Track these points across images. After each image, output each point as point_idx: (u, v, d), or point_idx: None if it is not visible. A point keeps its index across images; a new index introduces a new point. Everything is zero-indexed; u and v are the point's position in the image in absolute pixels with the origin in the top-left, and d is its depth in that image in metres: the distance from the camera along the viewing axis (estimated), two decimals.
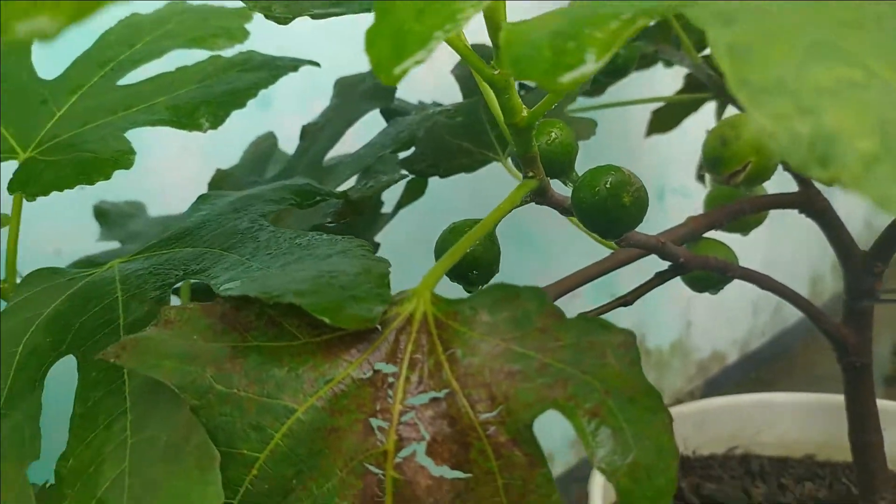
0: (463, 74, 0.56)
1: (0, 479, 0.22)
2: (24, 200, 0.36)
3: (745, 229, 0.51)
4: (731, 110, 0.71)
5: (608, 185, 0.28)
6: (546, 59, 0.16)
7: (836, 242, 0.46)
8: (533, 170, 0.30)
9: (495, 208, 0.28)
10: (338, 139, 0.46)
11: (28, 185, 0.35)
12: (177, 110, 0.38)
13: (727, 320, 1.28)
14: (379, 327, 0.21)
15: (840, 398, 0.68)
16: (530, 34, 0.17)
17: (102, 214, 0.59)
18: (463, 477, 0.20)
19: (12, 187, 0.36)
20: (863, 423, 0.46)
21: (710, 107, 0.67)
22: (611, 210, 0.28)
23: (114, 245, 0.55)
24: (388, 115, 0.51)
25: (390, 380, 0.21)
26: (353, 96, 0.50)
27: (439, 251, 0.30)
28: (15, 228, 0.38)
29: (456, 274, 0.29)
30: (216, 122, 0.38)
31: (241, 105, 0.38)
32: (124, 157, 0.34)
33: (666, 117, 0.69)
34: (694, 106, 0.65)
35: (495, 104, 0.31)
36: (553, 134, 0.33)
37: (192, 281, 0.36)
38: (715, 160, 0.44)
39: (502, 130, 0.31)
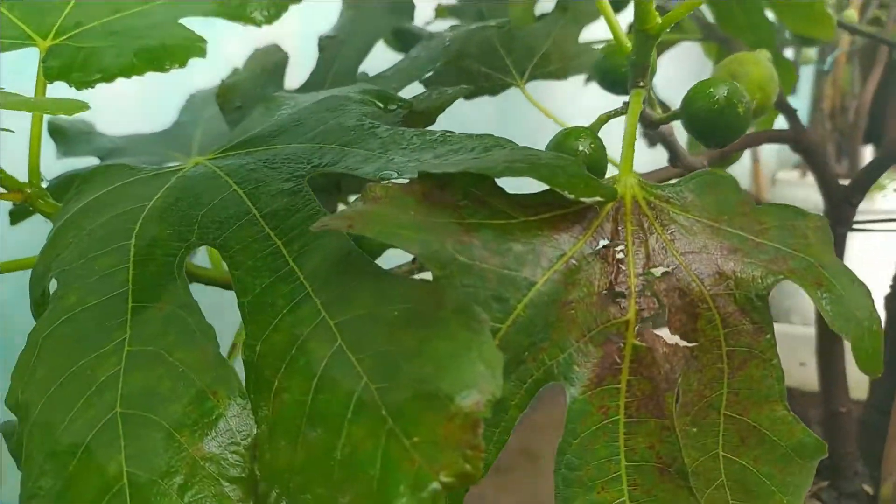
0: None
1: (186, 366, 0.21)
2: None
3: (726, 164, 0.56)
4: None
5: (726, 95, 0.30)
6: None
7: (821, 176, 0.50)
8: (643, 80, 0.31)
9: (630, 113, 0.28)
10: (366, 54, 0.45)
11: (72, 71, 0.31)
12: (224, 1, 0.35)
13: None
14: (597, 207, 0.21)
15: None
16: None
17: (59, 132, 0.53)
18: (690, 345, 0.21)
19: (50, 74, 0.32)
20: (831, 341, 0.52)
21: None
22: (728, 118, 0.30)
23: (84, 161, 0.50)
24: (401, 36, 0.50)
25: (619, 255, 0.21)
26: (368, 10, 0.48)
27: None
28: (38, 128, 0.34)
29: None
30: (272, 17, 0.36)
31: None
32: (196, 46, 0.31)
33: None
34: (669, 45, 0.68)
35: (610, 13, 0.31)
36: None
37: None
38: None
39: (616, 37, 0.31)
